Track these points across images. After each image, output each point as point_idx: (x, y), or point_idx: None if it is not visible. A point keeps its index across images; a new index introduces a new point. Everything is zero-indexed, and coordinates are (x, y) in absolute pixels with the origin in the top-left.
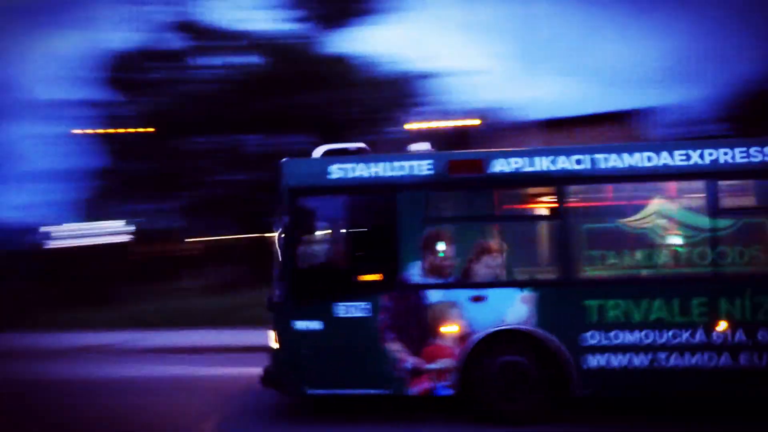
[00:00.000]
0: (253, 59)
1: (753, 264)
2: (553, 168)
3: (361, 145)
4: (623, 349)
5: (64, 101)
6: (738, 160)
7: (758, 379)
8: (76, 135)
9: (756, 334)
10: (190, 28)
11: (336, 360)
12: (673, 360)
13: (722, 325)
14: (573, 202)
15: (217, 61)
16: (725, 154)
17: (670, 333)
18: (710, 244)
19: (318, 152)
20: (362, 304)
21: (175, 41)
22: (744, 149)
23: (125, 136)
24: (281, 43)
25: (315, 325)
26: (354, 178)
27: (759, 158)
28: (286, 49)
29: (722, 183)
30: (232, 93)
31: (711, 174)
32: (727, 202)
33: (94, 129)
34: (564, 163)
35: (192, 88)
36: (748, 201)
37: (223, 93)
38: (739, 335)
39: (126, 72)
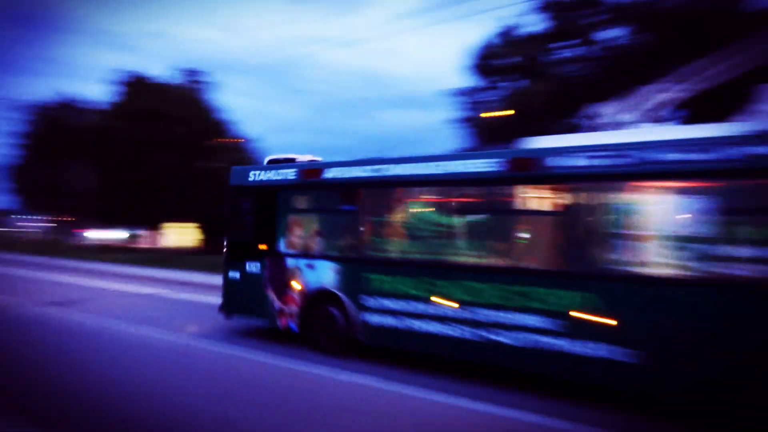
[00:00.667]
0: (620, 32)
1: (476, 255)
2: (353, 175)
3: (310, 156)
4: (389, 312)
5: (460, 89)
6: (470, 169)
7: (468, 345)
8: (464, 120)
9: (469, 310)
10: (554, 6)
11: (245, 298)
12: (421, 325)
13: (453, 303)
14: (364, 201)
15: (581, 38)
16: (462, 165)
17: (419, 305)
18: (447, 237)
19: (265, 160)
20: (257, 264)
21: (537, 23)
22: (477, 161)
23: (490, 120)
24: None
25: (236, 275)
26: (259, 181)
27: (487, 168)
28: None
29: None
30: (596, 71)
31: (445, 181)
32: (459, 205)
33: (469, 114)
34: (360, 171)
35: (555, 69)
36: (480, 204)
37: (586, 72)
38: (462, 311)
39: (493, 59)
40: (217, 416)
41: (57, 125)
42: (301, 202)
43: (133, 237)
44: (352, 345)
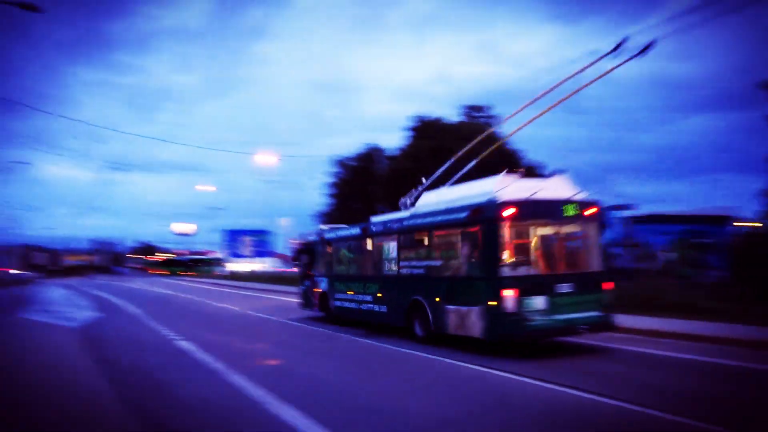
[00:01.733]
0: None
1: (387, 269)
2: (327, 236)
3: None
4: (347, 300)
5: None
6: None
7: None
8: None
9: (387, 300)
10: None
11: (307, 299)
12: (366, 308)
13: (378, 294)
14: (332, 248)
15: None
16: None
17: (362, 297)
18: (361, 263)
19: (320, 227)
20: (307, 281)
21: None
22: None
23: None
24: None
25: (303, 287)
26: (327, 237)
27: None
28: None
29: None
30: None
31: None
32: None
33: None
34: (328, 234)
35: None
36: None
37: None
38: (382, 305)
39: None
40: (282, 341)
41: (358, 172)
42: (319, 250)
43: None
44: (331, 315)
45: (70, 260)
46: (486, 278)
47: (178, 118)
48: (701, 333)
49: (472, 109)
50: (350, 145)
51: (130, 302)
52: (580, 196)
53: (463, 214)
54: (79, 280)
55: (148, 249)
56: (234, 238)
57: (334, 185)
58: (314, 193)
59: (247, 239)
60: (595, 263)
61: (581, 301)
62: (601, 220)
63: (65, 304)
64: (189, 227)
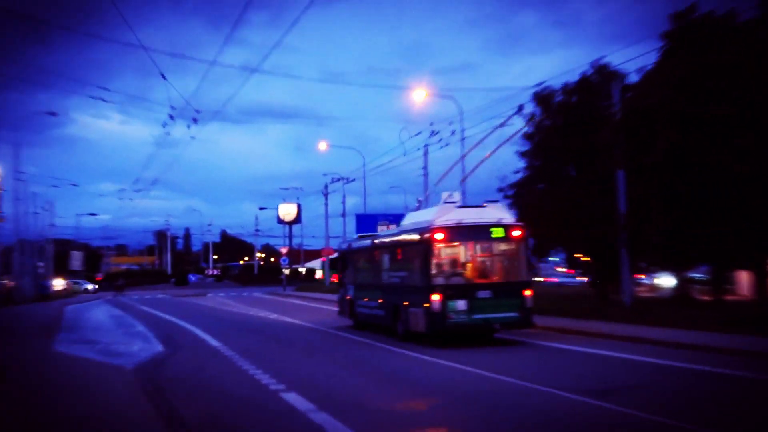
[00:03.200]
0: None
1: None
2: (367, 244)
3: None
4: (364, 306)
5: None
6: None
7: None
8: None
9: (383, 306)
10: None
11: (342, 306)
12: (375, 312)
13: (380, 300)
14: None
15: None
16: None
17: (371, 303)
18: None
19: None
20: (342, 289)
21: None
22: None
23: None
24: None
25: (338, 296)
26: (351, 247)
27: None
28: None
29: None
30: None
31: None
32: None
33: None
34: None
35: None
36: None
37: None
38: (382, 309)
39: None
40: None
41: (573, 113)
42: (347, 259)
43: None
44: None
45: (119, 263)
46: (424, 286)
47: (274, 34)
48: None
49: None
50: (558, 69)
51: (207, 330)
52: (508, 220)
53: (413, 236)
54: (134, 296)
55: (232, 244)
56: (372, 226)
57: (533, 136)
58: (502, 151)
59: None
60: (518, 274)
61: (499, 304)
62: (526, 239)
63: (114, 330)
64: (289, 210)
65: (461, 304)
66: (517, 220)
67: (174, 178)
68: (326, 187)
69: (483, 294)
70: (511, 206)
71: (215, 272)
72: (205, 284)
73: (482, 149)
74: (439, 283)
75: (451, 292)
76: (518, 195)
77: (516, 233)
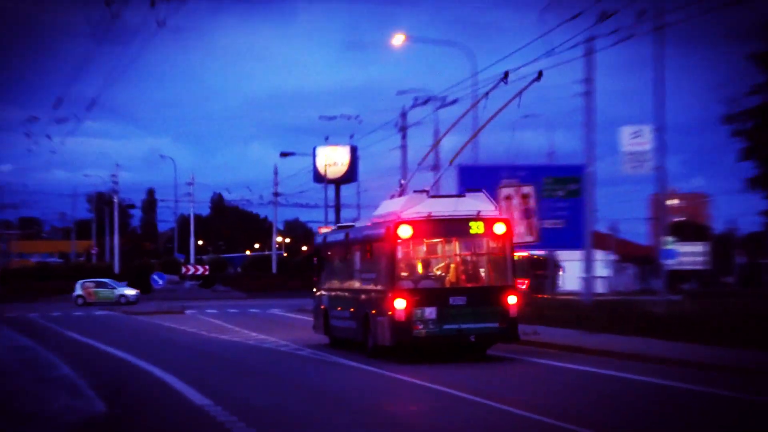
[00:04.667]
0: None
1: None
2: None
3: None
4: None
5: None
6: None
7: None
8: None
9: (357, 320)
10: None
11: (316, 318)
12: (347, 324)
13: (351, 309)
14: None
15: None
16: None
17: (347, 313)
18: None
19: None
20: (316, 297)
21: None
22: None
23: None
24: None
25: (313, 305)
26: (326, 242)
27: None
28: None
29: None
30: None
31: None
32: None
33: None
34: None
35: None
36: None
37: None
38: (353, 320)
39: None
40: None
41: None
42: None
43: None
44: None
45: (27, 253)
46: (387, 290)
47: None
48: None
49: None
50: None
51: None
52: (489, 213)
53: (378, 230)
54: (54, 311)
55: (231, 219)
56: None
57: None
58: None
59: (525, 193)
60: (500, 278)
61: (475, 312)
62: (511, 235)
63: (20, 374)
64: (336, 158)
65: (430, 312)
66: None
67: (126, 99)
68: (403, 115)
69: (456, 300)
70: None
71: (199, 270)
72: (182, 291)
73: None
74: (405, 288)
75: (418, 298)
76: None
77: (499, 228)
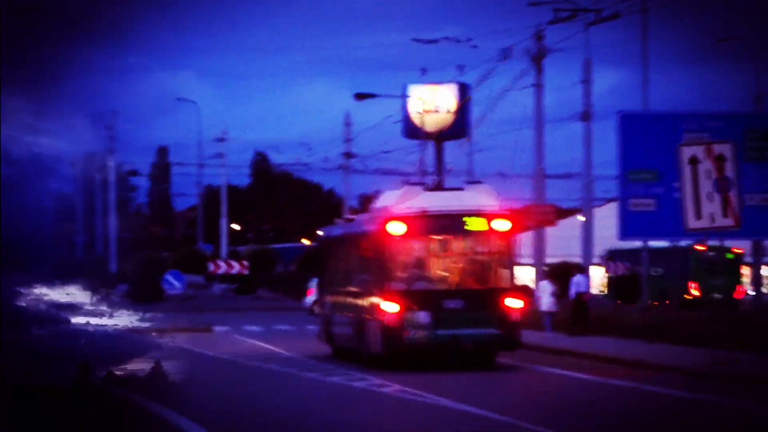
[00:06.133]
0: None
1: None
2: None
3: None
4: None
5: None
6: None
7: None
8: None
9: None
10: None
11: (321, 326)
12: (346, 332)
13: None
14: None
15: None
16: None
17: (346, 318)
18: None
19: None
20: (320, 300)
21: None
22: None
23: None
24: None
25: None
26: (329, 237)
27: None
28: None
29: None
30: None
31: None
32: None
33: None
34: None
35: None
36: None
37: None
38: (351, 326)
39: None
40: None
41: None
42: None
43: None
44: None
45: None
46: (378, 293)
47: None
48: None
49: None
50: None
51: None
52: (492, 208)
53: (368, 228)
54: None
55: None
56: (665, 143)
57: None
58: None
59: (719, 154)
60: (501, 279)
61: (472, 317)
62: (514, 232)
63: None
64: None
65: (423, 317)
66: None
67: (126, 14)
68: (538, 37)
69: (452, 304)
70: None
71: (235, 267)
72: (209, 299)
73: None
74: (396, 290)
75: (410, 301)
76: None
77: (500, 225)
